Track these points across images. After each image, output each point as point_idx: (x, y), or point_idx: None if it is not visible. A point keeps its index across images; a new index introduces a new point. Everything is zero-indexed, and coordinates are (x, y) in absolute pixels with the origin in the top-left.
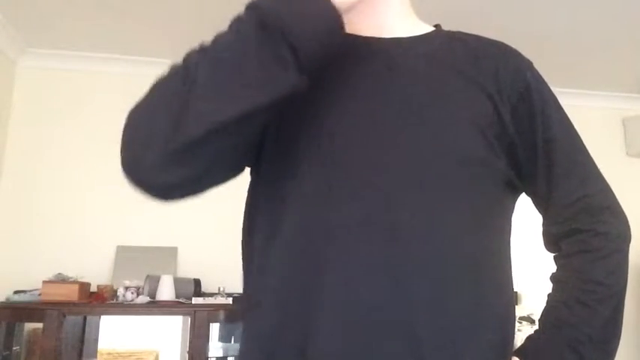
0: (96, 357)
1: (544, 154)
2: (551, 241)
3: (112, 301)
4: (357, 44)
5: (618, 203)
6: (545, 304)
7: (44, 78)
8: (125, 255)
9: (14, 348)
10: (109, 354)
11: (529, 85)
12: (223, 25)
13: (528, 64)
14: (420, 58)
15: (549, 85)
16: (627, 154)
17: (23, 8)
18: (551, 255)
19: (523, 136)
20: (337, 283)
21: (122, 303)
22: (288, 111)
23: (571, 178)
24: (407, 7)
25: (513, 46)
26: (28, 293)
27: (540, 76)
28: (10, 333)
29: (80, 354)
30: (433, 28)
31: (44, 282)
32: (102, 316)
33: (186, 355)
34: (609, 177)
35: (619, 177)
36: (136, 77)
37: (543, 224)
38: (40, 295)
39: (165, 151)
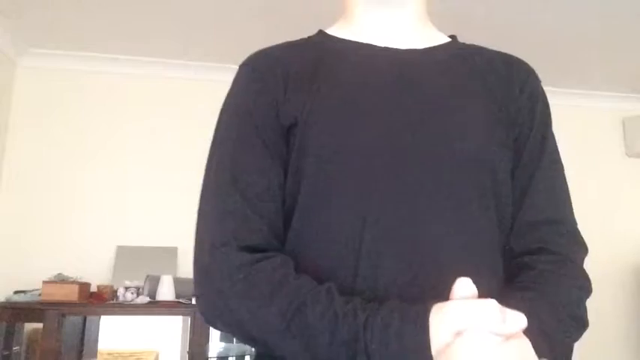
0: (96, 357)
1: (533, 164)
2: (509, 256)
3: (112, 302)
4: (374, 55)
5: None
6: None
7: (44, 78)
8: (125, 255)
9: (14, 348)
10: (109, 354)
11: (538, 96)
12: (221, 25)
13: (537, 77)
14: (436, 69)
15: (550, 85)
16: (627, 154)
17: (24, 8)
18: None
19: (523, 139)
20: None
21: (122, 303)
22: (314, 126)
23: (548, 194)
24: (424, 18)
25: (514, 45)
26: (28, 293)
27: (545, 94)
28: (10, 333)
29: (80, 354)
30: (449, 39)
31: (44, 282)
32: (102, 317)
33: (186, 355)
34: (609, 177)
35: (619, 177)
36: (136, 77)
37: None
38: (40, 295)
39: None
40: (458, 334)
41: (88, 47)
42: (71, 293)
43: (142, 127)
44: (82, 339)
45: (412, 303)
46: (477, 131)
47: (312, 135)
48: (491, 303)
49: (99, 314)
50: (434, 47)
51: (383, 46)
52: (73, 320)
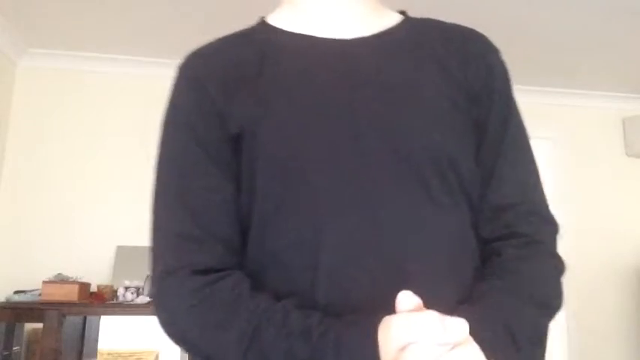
0: (96, 357)
1: (495, 146)
2: (482, 243)
3: (112, 301)
4: (320, 49)
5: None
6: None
7: (44, 78)
8: (125, 255)
9: (14, 348)
10: (109, 354)
11: (496, 71)
12: (221, 25)
13: (496, 49)
14: (386, 58)
15: (550, 85)
16: (627, 154)
17: (23, 9)
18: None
19: (484, 119)
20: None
21: (122, 303)
22: (263, 135)
23: (513, 174)
24: (371, 1)
25: (514, 45)
26: (28, 293)
27: (506, 67)
28: (10, 333)
29: (80, 354)
30: (400, 17)
31: (44, 282)
32: (102, 317)
33: (186, 355)
34: (609, 177)
35: (619, 177)
36: (136, 77)
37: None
38: (40, 295)
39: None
40: (402, 349)
41: (88, 47)
42: (71, 293)
43: (142, 127)
44: (82, 339)
45: (368, 316)
46: (434, 123)
47: (261, 146)
48: (431, 314)
49: (99, 314)
50: (384, 32)
51: (329, 37)
52: (73, 320)
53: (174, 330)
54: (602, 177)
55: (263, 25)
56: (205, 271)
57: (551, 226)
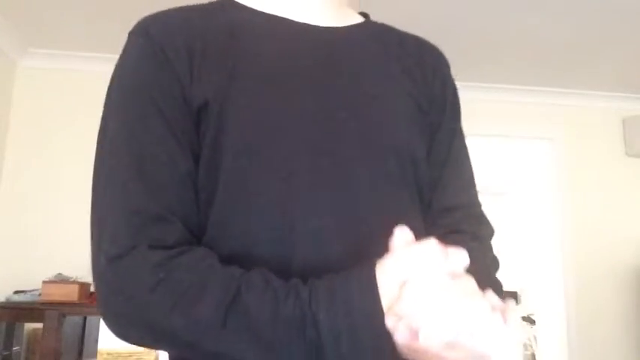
0: (96, 357)
1: (445, 152)
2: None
3: None
4: (294, 32)
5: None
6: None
7: (44, 78)
8: None
9: (14, 348)
10: (109, 354)
11: (448, 81)
12: None
13: (448, 63)
14: (359, 51)
15: (550, 85)
16: (627, 154)
17: (24, 9)
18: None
19: (436, 127)
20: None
21: None
22: (232, 111)
23: (457, 180)
24: None
25: (515, 47)
26: (28, 293)
27: (452, 77)
28: (10, 333)
29: (80, 354)
30: (361, 18)
31: (44, 282)
32: None
33: None
34: (609, 177)
35: (619, 177)
36: None
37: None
38: (40, 295)
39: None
40: (404, 284)
41: (88, 47)
42: (71, 293)
43: None
44: (82, 339)
45: (361, 263)
46: (403, 120)
47: (230, 125)
48: (432, 244)
49: (99, 314)
50: (353, 26)
51: (302, 22)
52: (73, 320)
53: (138, 317)
54: (602, 177)
55: (227, 1)
56: (165, 247)
57: (489, 228)
